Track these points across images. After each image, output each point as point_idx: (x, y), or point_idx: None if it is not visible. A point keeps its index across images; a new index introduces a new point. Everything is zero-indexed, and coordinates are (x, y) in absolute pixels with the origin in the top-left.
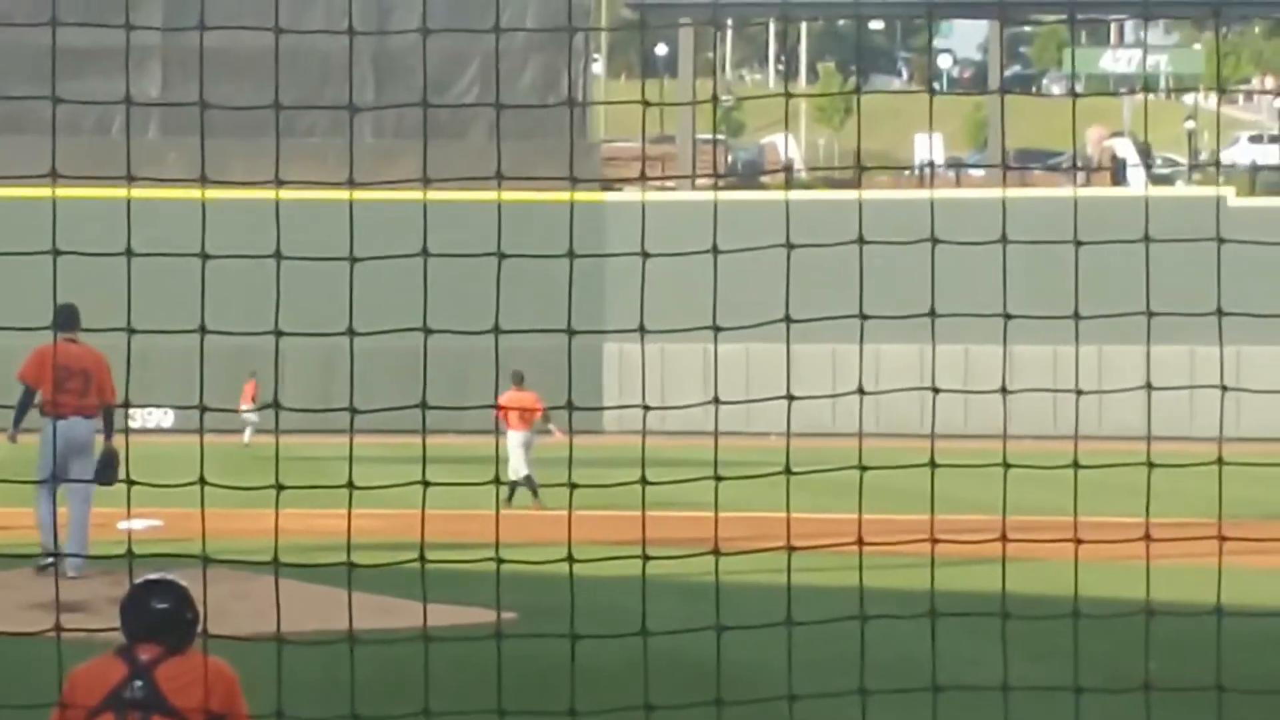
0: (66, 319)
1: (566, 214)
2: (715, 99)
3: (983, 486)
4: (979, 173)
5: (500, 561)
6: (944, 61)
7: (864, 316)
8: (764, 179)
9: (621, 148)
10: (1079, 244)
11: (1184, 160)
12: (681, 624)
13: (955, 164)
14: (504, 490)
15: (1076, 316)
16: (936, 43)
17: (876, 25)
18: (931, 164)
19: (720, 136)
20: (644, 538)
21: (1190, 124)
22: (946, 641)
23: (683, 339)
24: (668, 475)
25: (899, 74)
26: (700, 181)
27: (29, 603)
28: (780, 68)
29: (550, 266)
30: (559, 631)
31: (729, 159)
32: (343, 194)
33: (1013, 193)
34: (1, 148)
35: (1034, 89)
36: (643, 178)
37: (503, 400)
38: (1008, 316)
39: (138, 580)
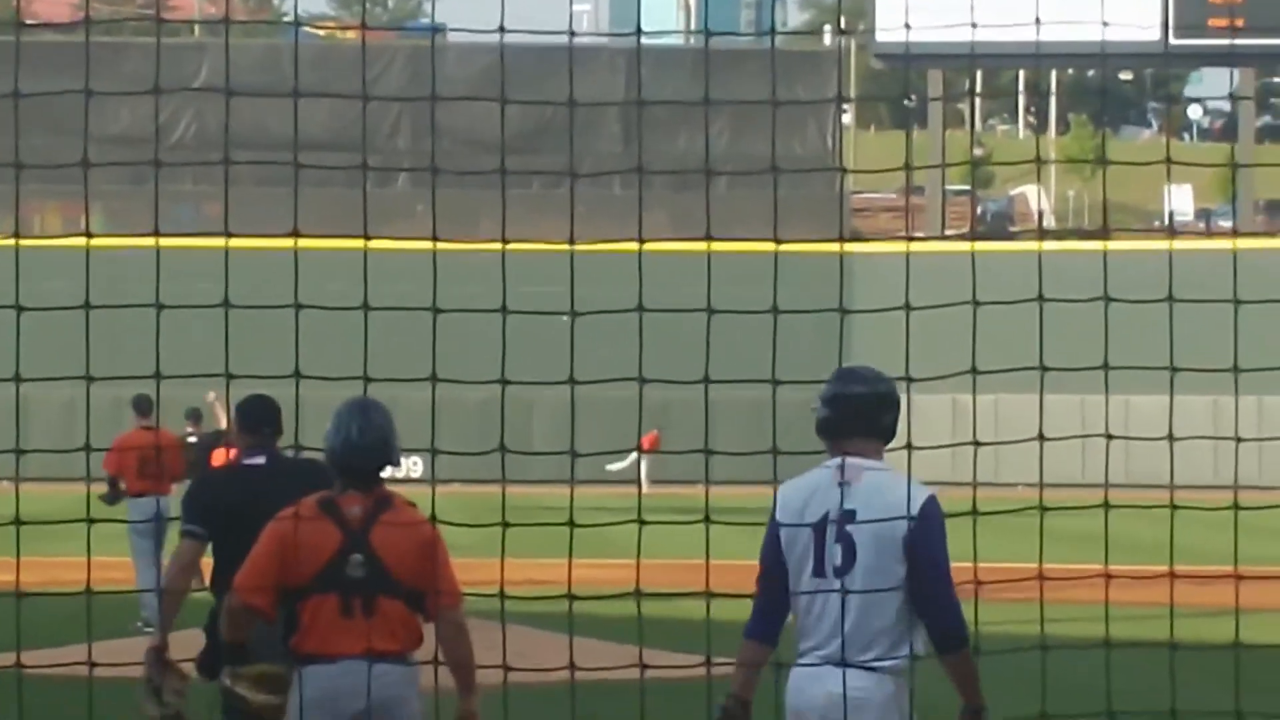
0: (145, 408)
1: (809, 264)
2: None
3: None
4: (1228, 223)
5: (711, 595)
6: (1194, 112)
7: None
8: (1012, 229)
9: (869, 199)
10: None
11: None
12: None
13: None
14: None
15: None
16: (1186, 92)
17: (1126, 76)
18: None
19: (968, 188)
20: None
21: None
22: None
23: (932, 389)
24: None
25: (1149, 125)
26: (947, 233)
27: None
28: (1031, 119)
29: (792, 316)
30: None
31: (978, 210)
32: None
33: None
34: (253, 199)
35: None
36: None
37: None
38: (1236, 369)
39: (344, 403)
